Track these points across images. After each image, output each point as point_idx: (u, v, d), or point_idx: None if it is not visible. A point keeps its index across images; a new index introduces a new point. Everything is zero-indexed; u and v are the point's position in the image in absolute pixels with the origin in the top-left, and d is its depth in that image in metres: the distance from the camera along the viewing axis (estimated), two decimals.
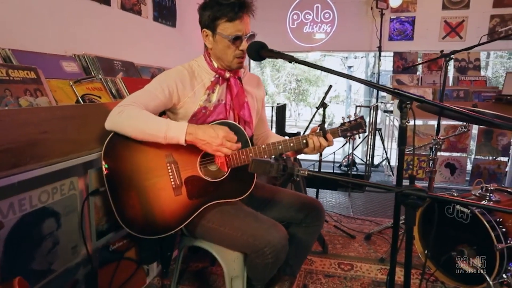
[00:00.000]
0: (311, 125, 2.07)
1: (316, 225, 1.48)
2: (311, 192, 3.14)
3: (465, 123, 2.01)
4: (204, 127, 1.17)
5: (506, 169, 3.55)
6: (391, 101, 4.21)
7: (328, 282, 1.88)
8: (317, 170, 3.22)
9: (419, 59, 4.04)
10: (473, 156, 3.71)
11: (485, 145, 3.58)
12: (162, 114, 1.34)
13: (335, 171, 4.37)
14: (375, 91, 4.97)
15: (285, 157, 1.33)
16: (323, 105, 2.28)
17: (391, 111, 4.12)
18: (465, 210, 1.62)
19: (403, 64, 3.97)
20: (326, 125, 1.31)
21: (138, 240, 1.61)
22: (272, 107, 3.91)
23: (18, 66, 1.18)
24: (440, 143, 2.11)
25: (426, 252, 1.79)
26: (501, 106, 3.09)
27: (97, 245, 1.41)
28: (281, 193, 1.52)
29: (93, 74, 1.72)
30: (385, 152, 4.17)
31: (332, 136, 1.33)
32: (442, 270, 1.74)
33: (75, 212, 1.28)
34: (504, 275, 1.49)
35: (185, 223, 1.24)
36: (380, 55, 4.20)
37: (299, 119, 14.22)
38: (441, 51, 2.16)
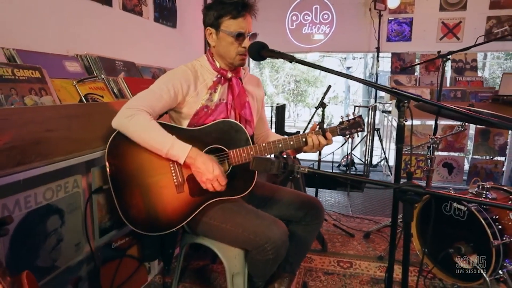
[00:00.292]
0: (310, 125, 2.09)
1: (316, 223, 1.50)
2: (310, 191, 3.16)
3: (461, 123, 2.04)
4: (205, 157, 1.22)
5: (503, 169, 3.59)
6: (389, 102, 4.24)
7: (327, 279, 1.90)
8: (316, 167, 3.24)
9: (417, 60, 4.08)
10: (470, 156, 3.75)
11: (482, 145, 3.61)
12: (164, 112, 1.36)
13: (334, 171, 4.39)
14: (373, 91, 5.01)
15: (285, 155, 1.35)
16: (322, 105, 2.31)
17: (389, 111, 4.15)
18: (462, 207, 1.64)
19: (401, 65, 4.00)
20: (325, 125, 1.34)
21: (140, 237, 1.63)
22: (272, 107, 3.93)
23: (23, 66, 1.20)
24: (438, 142, 2.14)
25: (423, 249, 1.82)
26: (498, 106, 3.12)
27: (100, 243, 1.43)
28: (281, 191, 1.54)
29: (95, 74, 1.74)
30: (384, 152, 4.20)
31: (331, 135, 1.36)
32: (439, 267, 1.77)
33: (78, 210, 1.30)
34: (500, 271, 1.51)
35: (187, 220, 1.27)
36: (378, 56, 4.24)
37: (298, 120, 14.25)
38: (438, 52, 2.19)
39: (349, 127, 1.35)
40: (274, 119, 4.12)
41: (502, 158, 3.59)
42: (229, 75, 1.36)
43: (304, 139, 1.31)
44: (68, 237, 1.25)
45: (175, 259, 1.82)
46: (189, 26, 3.09)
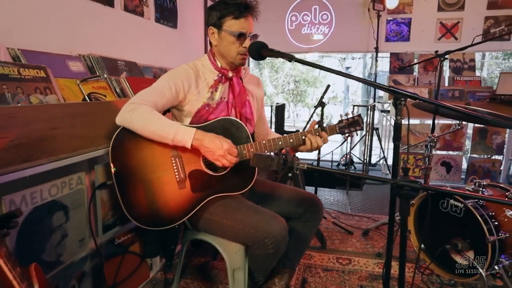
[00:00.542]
0: (309, 125, 2.12)
1: (315, 219, 1.53)
2: (309, 190, 3.16)
3: (458, 121, 2.07)
4: (211, 136, 1.24)
5: (501, 167, 3.62)
6: (388, 101, 4.27)
7: (326, 275, 1.93)
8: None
9: (415, 60, 4.11)
10: (468, 155, 3.78)
11: (480, 144, 3.65)
12: (166, 111, 1.39)
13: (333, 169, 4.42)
14: (372, 91, 5.04)
15: (285, 152, 1.38)
16: (321, 104, 2.34)
17: (388, 111, 4.18)
18: (459, 204, 1.67)
19: (400, 65, 4.03)
20: (324, 124, 1.36)
21: (142, 233, 1.66)
22: (271, 106, 3.96)
23: (29, 65, 1.23)
24: (435, 140, 2.17)
25: (420, 245, 1.85)
26: (495, 106, 3.16)
27: (103, 239, 1.46)
28: (281, 188, 1.57)
29: (98, 74, 1.77)
30: (382, 151, 4.23)
31: (330, 133, 1.38)
32: (437, 263, 1.80)
33: (82, 206, 1.32)
34: (496, 267, 1.54)
35: (189, 215, 1.29)
36: (377, 56, 4.27)
37: (297, 120, 14.28)
38: (436, 52, 2.22)
39: (348, 125, 1.38)
40: (273, 119, 4.15)
41: (500, 157, 3.63)
42: (230, 74, 1.39)
43: (304, 137, 1.33)
44: (73, 233, 1.28)
45: (177, 255, 1.84)
46: (189, 26, 3.12)
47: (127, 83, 1.88)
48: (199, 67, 1.38)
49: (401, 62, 4.08)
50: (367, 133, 4.06)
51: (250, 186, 1.33)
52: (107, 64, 1.91)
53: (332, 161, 4.45)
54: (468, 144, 4.06)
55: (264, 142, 1.31)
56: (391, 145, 1.13)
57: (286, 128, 4.66)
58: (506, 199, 1.71)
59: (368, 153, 4.18)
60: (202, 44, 3.44)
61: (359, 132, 1.42)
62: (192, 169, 1.29)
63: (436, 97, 2.35)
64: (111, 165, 1.24)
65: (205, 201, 1.31)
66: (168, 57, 2.78)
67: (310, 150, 1.37)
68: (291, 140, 1.33)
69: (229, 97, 1.39)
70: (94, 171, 1.38)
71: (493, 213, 1.64)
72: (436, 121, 2.31)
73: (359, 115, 1.39)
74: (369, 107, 3.99)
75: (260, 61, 1.30)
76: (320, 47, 4.36)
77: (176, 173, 1.28)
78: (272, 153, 1.28)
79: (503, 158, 3.61)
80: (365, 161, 4.13)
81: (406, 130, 2.85)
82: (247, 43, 1.31)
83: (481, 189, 1.74)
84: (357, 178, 3.55)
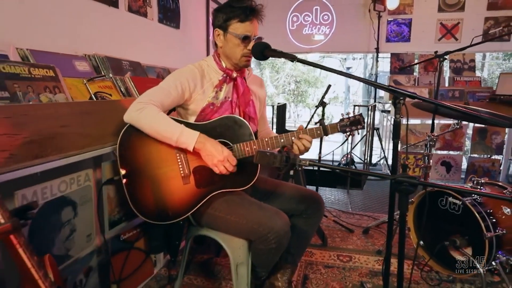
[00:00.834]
0: (310, 125, 2.15)
1: (316, 216, 1.56)
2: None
3: (457, 121, 2.10)
4: (213, 142, 1.28)
5: (500, 167, 3.65)
6: (389, 101, 4.30)
7: (327, 272, 1.96)
8: (316, 167, 3.31)
9: (416, 60, 4.14)
10: (468, 155, 3.81)
11: (480, 144, 3.68)
12: (172, 109, 1.42)
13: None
14: (373, 92, 5.07)
15: (287, 150, 1.41)
16: (322, 103, 2.38)
17: (389, 111, 4.21)
18: (457, 202, 1.70)
19: (400, 65, 4.06)
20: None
21: (147, 230, 1.69)
22: (273, 106, 3.99)
23: (38, 65, 1.26)
24: (434, 139, 2.20)
25: (419, 241, 1.88)
26: (495, 106, 3.19)
27: (110, 235, 1.49)
28: (283, 186, 1.60)
29: (103, 73, 1.80)
30: (383, 151, 4.26)
31: (332, 131, 1.41)
32: (436, 260, 1.83)
33: (90, 202, 1.36)
34: (493, 263, 1.57)
35: (193, 210, 1.33)
36: (377, 56, 4.30)
37: (298, 120, 14.29)
38: (435, 52, 2.25)
39: (350, 124, 1.41)
40: (275, 119, 4.17)
41: (499, 157, 3.66)
42: (234, 74, 1.42)
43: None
44: (81, 228, 1.31)
45: (181, 252, 1.88)
46: (192, 27, 3.16)
47: (132, 83, 1.92)
48: (204, 67, 1.42)
49: (401, 63, 4.11)
50: (368, 133, 4.09)
51: (252, 183, 1.36)
52: (112, 64, 1.95)
53: (333, 161, 4.48)
54: (468, 144, 4.09)
55: (266, 139, 1.34)
56: (392, 145, 1.16)
57: (287, 129, 4.69)
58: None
59: (368, 153, 4.21)
60: (204, 45, 3.47)
61: (360, 131, 1.45)
62: (196, 165, 1.32)
63: (436, 97, 2.38)
64: (118, 160, 1.27)
65: (209, 196, 1.34)
66: (171, 57, 2.82)
67: (302, 153, 1.40)
68: (293, 138, 1.37)
69: (233, 97, 1.42)
70: (101, 168, 1.42)
71: (491, 211, 1.67)
72: (436, 121, 2.35)
73: (360, 114, 1.42)
74: (370, 107, 4.02)
75: (261, 61, 1.34)
76: (321, 48, 4.39)
77: (181, 169, 1.32)
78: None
79: (502, 158, 3.64)
80: (365, 161, 4.16)
81: (406, 130, 2.88)
82: (252, 45, 1.34)
83: (479, 187, 1.77)
84: (358, 174, 3.58)
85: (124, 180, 1.28)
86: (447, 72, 3.95)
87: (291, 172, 2.25)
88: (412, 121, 3.86)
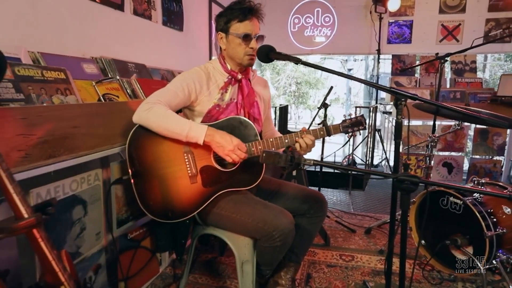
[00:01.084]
0: (312, 126, 2.18)
1: (319, 215, 1.59)
2: None
3: (458, 122, 2.13)
4: (221, 133, 1.31)
5: (502, 168, 3.67)
6: (390, 102, 4.33)
7: (330, 271, 1.99)
8: (318, 168, 3.34)
9: (417, 62, 4.16)
10: (470, 156, 3.83)
11: (481, 145, 3.70)
12: (178, 111, 1.46)
13: (335, 171, 4.48)
14: (374, 93, 5.10)
15: (292, 150, 1.44)
16: (324, 105, 2.41)
17: (390, 112, 4.23)
18: (458, 201, 1.73)
19: (402, 67, 4.09)
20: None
21: (154, 229, 1.73)
22: (275, 107, 4.02)
23: (50, 68, 1.30)
24: (436, 140, 2.23)
25: (420, 240, 1.90)
26: (496, 107, 3.21)
27: (117, 233, 1.53)
28: (286, 186, 1.63)
29: (110, 76, 1.84)
30: (384, 152, 4.28)
31: (334, 132, 1.45)
32: (437, 259, 1.85)
33: (99, 201, 1.39)
34: (494, 261, 1.60)
35: (200, 209, 1.36)
36: (379, 58, 4.33)
37: (299, 122, 14.31)
38: (436, 54, 2.28)
39: (351, 125, 1.45)
40: (277, 121, 4.20)
41: (501, 158, 3.68)
42: (239, 76, 1.46)
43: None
44: (90, 227, 1.35)
45: (186, 251, 1.91)
46: (195, 29, 3.20)
47: (138, 85, 1.96)
48: (210, 70, 1.46)
49: (403, 64, 4.14)
50: (369, 135, 4.12)
51: (258, 182, 1.40)
52: (118, 66, 1.98)
53: (334, 162, 4.51)
54: (469, 145, 4.11)
55: (271, 140, 1.38)
56: (393, 146, 1.19)
57: (289, 130, 4.73)
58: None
59: (370, 154, 4.24)
60: (207, 46, 3.51)
61: (361, 132, 1.48)
62: (203, 165, 1.36)
63: (437, 98, 2.41)
64: (127, 160, 1.31)
65: (215, 195, 1.38)
66: (174, 59, 2.86)
67: (305, 151, 1.43)
68: (297, 138, 1.40)
69: (238, 98, 1.46)
70: (110, 167, 1.45)
71: (492, 210, 1.69)
72: (437, 122, 2.37)
73: (362, 116, 1.46)
74: (371, 108, 4.05)
75: (262, 63, 1.37)
76: (322, 49, 4.43)
77: (188, 169, 1.35)
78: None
79: (504, 159, 3.66)
80: (367, 162, 4.19)
81: (407, 131, 2.90)
82: (253, 44, 1.38)
83: (479, 186, 1.80)
84: (360, 174, 3.61)
85: (133, 180, 1.31)
86: (448, 74, 3.98)
87: (294, 173, 2.28)
88: (414, 122, 3.88)
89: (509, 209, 1.69)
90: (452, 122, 3.50)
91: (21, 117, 0.98)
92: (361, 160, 4.66)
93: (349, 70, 10.84)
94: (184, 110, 1.48)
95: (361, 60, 10.18)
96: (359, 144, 4.88)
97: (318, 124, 1.75)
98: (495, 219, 1.66)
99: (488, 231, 1.56)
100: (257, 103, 1.51)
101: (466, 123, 2.84)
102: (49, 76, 1.26)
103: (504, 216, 1.68)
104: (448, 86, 3.92)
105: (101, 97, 1.58)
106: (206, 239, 2.05)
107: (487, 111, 1.63)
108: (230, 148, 1.28)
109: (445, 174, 3.81)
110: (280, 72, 13.51)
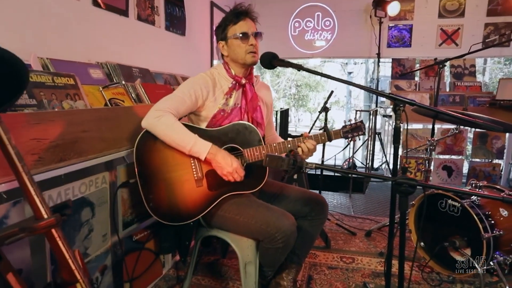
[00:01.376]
0: (313, 130, 2.23)
1: (320, 218, 1.63)
2: None
3: (456, 126, 2.17)
4: (224, 153, 1.36)
5: (501, 171, 3.70)
6: (390, 106, 4.37)
7: (331, 273, 2.02)
8: (319, 172, 3.38)
9: (417, 65, 4.21)
10: (469, 159, 3.86)
11: (481, 148, 3.73)
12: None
13: (336, 174, 4.51)
14: (374, 96, 5.15)
15: (294, 153, 1.49)
16: (325, 109, 2.45)
17: (390, 116, 4.27)
18: (456, 204, 1.77)
19: (401, 70, 4.13)
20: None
21: (158, 231, 1.76)
22: (276, 111, 4.07)
23: (60, 74, 1.34)
24: (435, 144, 2.27)
25: (418, 242, 1.93)
26: (495, 111, 3.25)
27: (123, 235, 1.56)
28: (288, 188, 1.67)
29: (115, 81, 1.88)
30: (385, 155, 4.32)
31: (335, 137, 1.49)
32: (436, 260, 1.89)
33: (106, 204, 1.43)
34: (491, 263, 1.63)
35: (205, 211, 1.40)
36: (379, 62, 4.37)
37: (299, 125, 14.35)
38: (435, 59, 2.32)
39: (351, 130, 1.49)
40: (278, 124, 4.24)
41: (500, 161, 3.71)
42: (243, 81, 1.50)
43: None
44: (98, 228, 1.38)
45: (189, 252, 1.94)
46: (197, 33, 3.24)
47: (143, 89, 2.00)
48: (215, 75, 1.50)
49: (402, 68, 4.18)
50: (369, 138, 4.15)
51: (261, 185, 1.43)
52: (123, 71, 2.03)
53: (335, 166, 4.54)
54: (469, 148, 4.15)
55: (274, 144, 1.42)
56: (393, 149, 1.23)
57: (289, 133, 4.76)
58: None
59: (370, 158, 4.27)
60: (208, 51, 3.56)
61: (361, 136, 1.53)
62: (208, 169, 1.40)
63: (436, 102, 2.45)
64: (135, 163, 1.35)
65: (220, 198, 1.41)
66: (177, 64, 2.90)
67: (307, 156, 1.47)
68: (299, 143, 1.44)
69: (242, 103, 1.50)
70: (116, 171, 1.49)
71: (489, 212, 1.73)
72: (437, 126, 2.41)
73: (361, 121, 1.50)
74: (371, 112, 4.09)
75: (261, 66, 1.42)
76: (322, 53, 4.47)
77: (194, 172, 1.39)
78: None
79: (503, 162, 3.69)
80: (367, 165, 4.22)
81: (409, 135, 2.95)
82: (252, 40, 1.44)
83: (477, 189, 1.84)
84: (360, 177, 3.65)
85: (140, 182, 1.35)
86: (447, 77, 4.02)
87: (295, 176, 2.32)
88: (414, 126, 3.92)
89: (506, 212, 1.72)
90: (451, 126, 3.55)
91: (35, 122, 1.02)
92: (361, 163, 4.70)
93: (349, 73, 10.89)
94: (190, 115, 1.52)
95: (361, 63, 10.24)
96: (359, 147, 4.92)
97: (320, 129, 1.79)
98: (492, 221, 1.70)
99: (485, 233, 1.60)
100: (260, 107, 1.56)
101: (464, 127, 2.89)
102: (60, 82, 1.30)
103: (501, 218, 1.72)
104: (447, 89, 3.96)
105: (108, 102, 1.62)
106: (209, 241, 2.09)
107: (484, 116, 1.67)
108: (229, 170, 1.34)
109: (445, 177, 3.84)
110: (280, 75, 13.57)
